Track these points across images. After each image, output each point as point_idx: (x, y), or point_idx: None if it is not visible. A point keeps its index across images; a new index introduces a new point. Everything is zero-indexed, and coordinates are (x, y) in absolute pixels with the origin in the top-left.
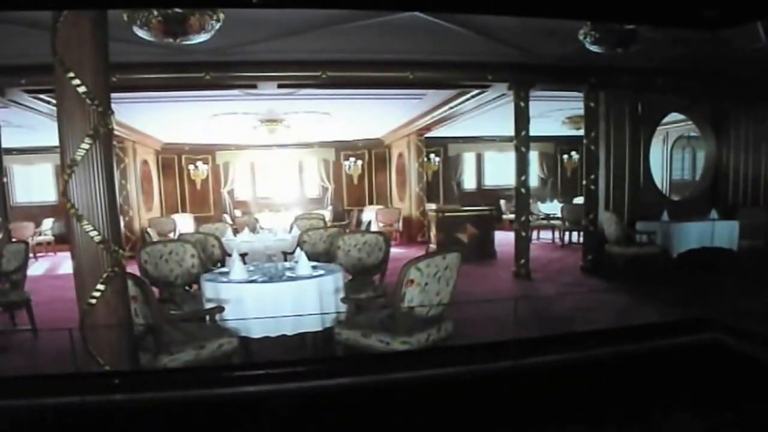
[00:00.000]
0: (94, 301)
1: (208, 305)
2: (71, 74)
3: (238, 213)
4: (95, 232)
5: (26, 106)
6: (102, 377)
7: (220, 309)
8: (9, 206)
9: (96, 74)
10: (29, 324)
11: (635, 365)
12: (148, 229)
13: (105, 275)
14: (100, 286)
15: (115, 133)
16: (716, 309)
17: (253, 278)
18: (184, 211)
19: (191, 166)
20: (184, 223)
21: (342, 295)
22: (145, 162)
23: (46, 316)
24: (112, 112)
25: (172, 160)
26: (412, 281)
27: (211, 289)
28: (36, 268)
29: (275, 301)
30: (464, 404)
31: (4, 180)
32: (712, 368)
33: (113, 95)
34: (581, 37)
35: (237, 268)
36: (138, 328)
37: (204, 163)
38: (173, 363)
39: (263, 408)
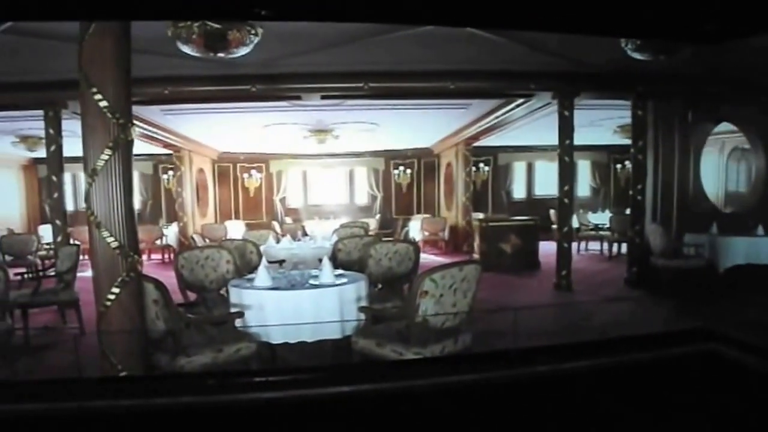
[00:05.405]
0: (108, 303)
1: (233, 310)
2: (94, 89)
3: (288, 220)
4: (112, 239)
5: None
6: (108, 382)
7: (239, 314)
8: (76, 210)
9: (117, 89)
10: (77, 323)
11: (631, 376)
12: (194, 235)
13: (120, 279)
14: (115, 290)
15: (171, 142)
16: (750, 328)
17: (276, 285)
18: (237, 218)
19: (245, 175)
20: (235, 229)
21: (364, 304)
22: (201, 170)
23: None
24: (132, 125)
25: (228, 168)
26: (426, 292)
27: (235, 295)
28: None
29: (296, 308)
30: (460, 414)
31: (63, 187)
32: (710, 379)
33: (168, 107)
34: (623, 44)
35: (262, 275)
36: (158, 331)
37: (258, 172)
38: (190, 365)
39: (267, 414)
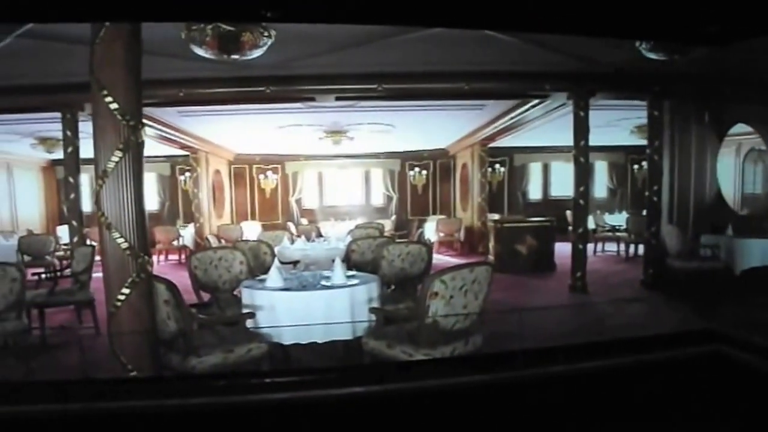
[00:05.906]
0: (119, 304)
1: (245, 310)
2: (104, 92)
3: (304, 221)
4: (122, 240)
5: None
6: (119, 383)
7: (250, 315)
8: (93, 211)
9: (128, 91)
10: (93, 323)
11: (638, 376)
12: (208, 236)
13: (130, 280)
14: (125, 290)
15: (188, 144)
16: (764, 330)
17: (287, 286)
18: (253, 218)
19: (261, 176)
20: (251, 230)
21: (375, 305)
22: (217, 171)
23: None
24: (143, 126)
25: (244, 169)
26: (436, 294)
27: (247, 296)
28: None
29: (307, 309)
30: (470, 415)
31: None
32: (716, 380)
33: (184, 108)
34: (638, 44)
35: (273, 276)
36: (170, 331)
37: (274, 173)
38: (201, 366)
39: (278, 415)
